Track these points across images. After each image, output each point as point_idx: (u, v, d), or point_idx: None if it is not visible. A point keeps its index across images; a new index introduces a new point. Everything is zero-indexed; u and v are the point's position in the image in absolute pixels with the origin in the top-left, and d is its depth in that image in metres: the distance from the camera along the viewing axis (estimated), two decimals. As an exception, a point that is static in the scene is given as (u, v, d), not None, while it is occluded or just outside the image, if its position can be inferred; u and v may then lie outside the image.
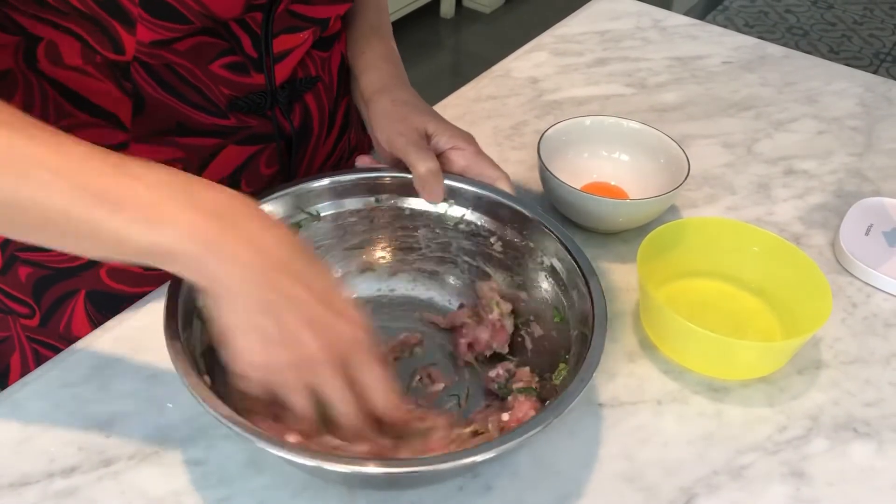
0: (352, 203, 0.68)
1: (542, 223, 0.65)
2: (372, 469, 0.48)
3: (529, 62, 1.09)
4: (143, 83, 0.62)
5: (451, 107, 0.99)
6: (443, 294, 0.70)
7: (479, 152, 0.68)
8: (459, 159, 0.68)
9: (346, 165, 0.82)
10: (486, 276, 0.68)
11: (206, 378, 0.52)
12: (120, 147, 0.64)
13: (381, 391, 0.52)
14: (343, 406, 0.51)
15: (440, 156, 0.68)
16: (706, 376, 0.66)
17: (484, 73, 1.07)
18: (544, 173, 0.77)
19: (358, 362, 0.51)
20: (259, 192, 0.65)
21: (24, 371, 0.75)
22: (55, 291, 0.71)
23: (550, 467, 0.59)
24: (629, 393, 0.65)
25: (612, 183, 0.83)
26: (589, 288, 0.59)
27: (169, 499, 0.56)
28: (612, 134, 0.84)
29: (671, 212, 0.83)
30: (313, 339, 0.49)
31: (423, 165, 0.66)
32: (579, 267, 0.61)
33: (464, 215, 0.68)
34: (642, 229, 0.73)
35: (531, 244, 0.65)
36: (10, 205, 0.47)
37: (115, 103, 0.62)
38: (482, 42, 2.98)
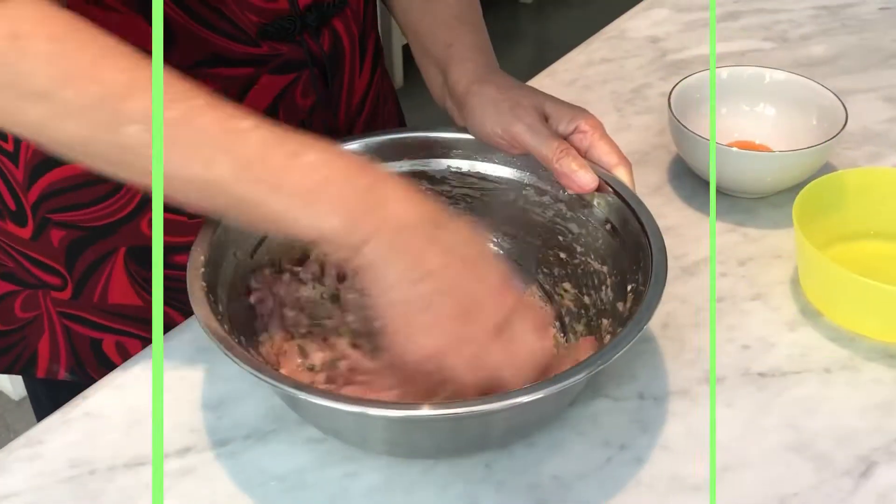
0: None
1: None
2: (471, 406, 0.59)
3: (647, 20, 1.19)
4: (171, 12, 0.74)
5: (560, 72, 1.10)
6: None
7: (604, 135, 0.76)
8: (582, 142, 0.76)
9: (384, 108, 0.95)
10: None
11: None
12: None
13: (538, 344, 0.64)
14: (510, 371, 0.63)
15: None
16: (881, 342, 0.74)
17: (594, 36, 1.18)
18: (678, 131, 0.87)
19: (511, 329, 0.62)
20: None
21: (54, 357, 0.87)
22: (89, 255, 0.82)
23: (705, 438, 0.68)
24: (792, 362, 0.74)
25: (757, 142, 0.92)
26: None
27: (292, 476, 0.66)
28: (754, 86, 0.93)
29: (827, 171, 0.91)
30: (465, 313, 0.61)
31: (554, 152, 0.74)
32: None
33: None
34: (794, 192, 0.81)
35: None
36: (177, 177, 0.59)
37: (144, 37, 0.74)
38: (568, 30, 3.08)
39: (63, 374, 0.87)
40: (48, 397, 0.93)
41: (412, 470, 0.66)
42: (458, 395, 0.63)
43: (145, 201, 0.80)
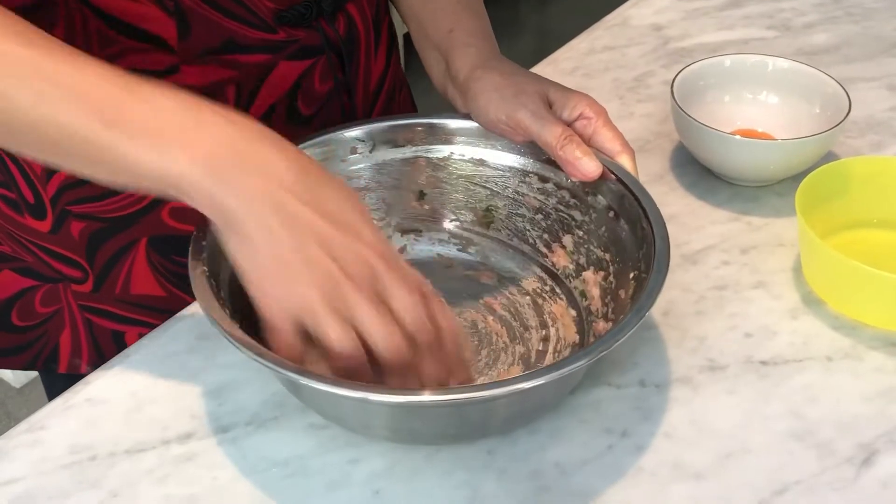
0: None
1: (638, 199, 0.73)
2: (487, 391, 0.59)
3: (650, 8, 1.19)
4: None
5: (562, 60, 1.10)
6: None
7: (608, 122, 0.76)
8: (586, 129, 0.75)
9: (399, 95, 0.95)
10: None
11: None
12: (170, 71, 0.76)
13: (410, 312, 0.60)
14: (380, 330, 0.59)
15: None
16: (883, 330, 0.75)
17: (596, 24, 1.17)
18: (681, 119, 0.87)
19: (383, 286, 0.60)
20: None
21: (76, 351, 0.87)
22: (110, 247, 0.82)
23: (707, 426, 0.68)
24: (794, 351, 0.74)
25: (760, 130, 0.92)
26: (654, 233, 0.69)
27: (294, 462, 0.66)
28: (757, 74, 0.93)
29: (830, 160, 0.91)
30: (331, 263, 0.58)
31: (557, 139, 0.73)
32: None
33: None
34: (797, 180, 0.81)
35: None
36: (26, 122, 0.59)
37: (159, 25, 0.74)
38: (570, 18, 3.08)
39: (85, 369, 0.87)
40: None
41: (414, 456, 0.66)
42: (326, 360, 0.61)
43: None
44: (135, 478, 0.65)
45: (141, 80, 0.60)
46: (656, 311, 0.77)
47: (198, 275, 0.65)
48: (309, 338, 0.61)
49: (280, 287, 0.59)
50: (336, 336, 0.59)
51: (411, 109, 1.00)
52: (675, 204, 0.88)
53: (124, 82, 0.60)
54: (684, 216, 0.87)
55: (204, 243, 0.67)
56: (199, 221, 0.66)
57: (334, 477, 0.65)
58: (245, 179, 0.59)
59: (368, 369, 0.61)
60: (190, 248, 0.67)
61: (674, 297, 0.78)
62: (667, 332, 0.75)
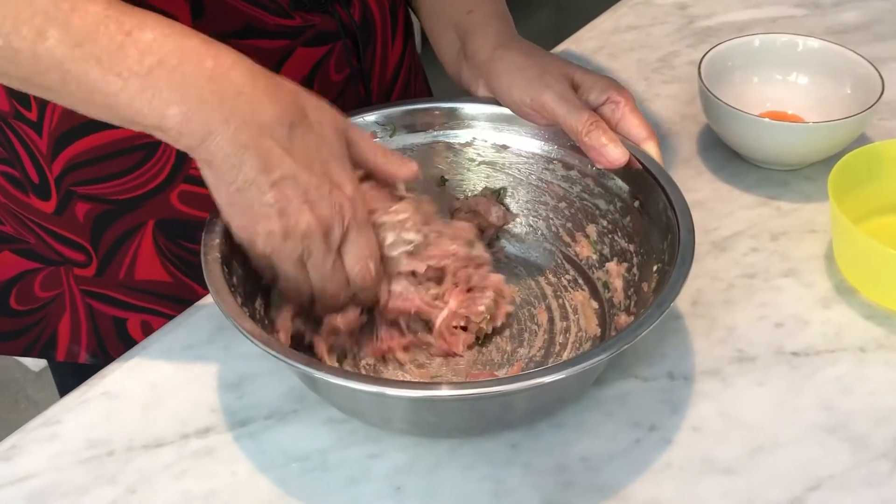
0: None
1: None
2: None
3: (675, -14, 1.16)
4: None
5: (585, 40, 1.08)
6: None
7: (635, 108, 0.74)
8: (614, 114, 0.73)
9: (415, 81, 0.93)
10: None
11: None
12: None
13: (358, 267, 0.65)
14: (318, 275, 0.64)
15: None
16: (919, 320, 0.73)
17: (620, 2, 1.15)
18: (708, 100, 0.84)
19: (346, 238, 0.63)
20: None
21: (75, 338, 0.86)
22: (116, 230, 0.81)
23: (737, 419, 0.67)
24: (826, 341, 0.72)
25: (790, 112, 0.89)
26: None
27: (314, 456, 0.65)
28: (787, 55, 0.91)
29: (862, 143, 0.89)
30: (301, 210, 0.61)
31: (583, 124, 0.71)
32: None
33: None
34: (827, 164, 0.79)
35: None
36: (6, 47, 0.58)
37: (173, 6, 0.72)
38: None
39: (84, 357, 0.86)
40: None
41: (436, 451, 0.65)
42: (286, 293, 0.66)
43: (175, 172, 0.79)
44: (152, 473, 0.65)
45: (136, 17, 0.59)
46: (684, 300, 0.75)
47: (210, 261, 0.65)
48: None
49: (250, 226, 0.62)
50: (292, 276, 0.64)
51: (427, 94, 0.98)
52: (702, 189, 0.86)
53: (118, 24, 0.58)
54: (712, 201, 0.85)
55: (217, 228, 0.66)
56: (212, 206, 0.66)
57: (355, 472, 0.64)
58: (231, 128, 0.59)
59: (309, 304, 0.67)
60: (203, 233, 0.66)
61: (702, 286, 0.76)
62: (695, 322, 0.74)
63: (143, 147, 0.77)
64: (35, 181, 0.80)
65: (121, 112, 0.59)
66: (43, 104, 0.75)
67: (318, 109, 0.63)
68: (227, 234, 0.66)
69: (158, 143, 0.77)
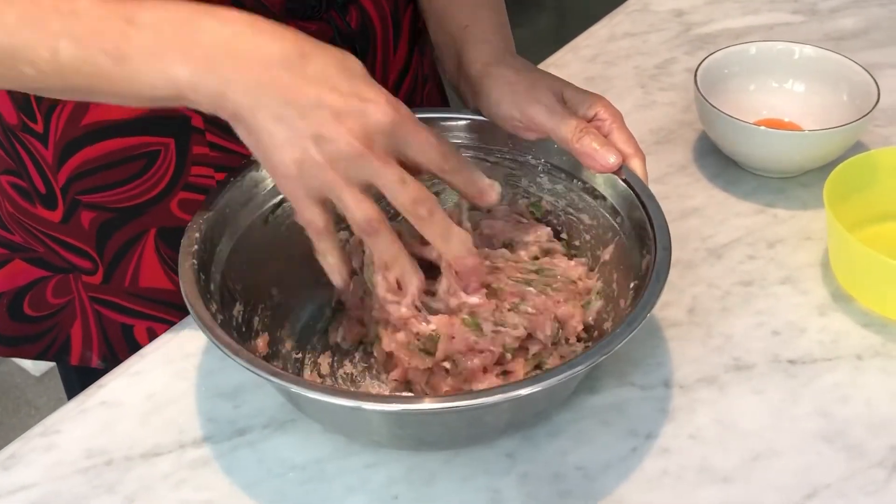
0: None
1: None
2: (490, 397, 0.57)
3: (672, -8, 1.17)
4: None
5: (582, 48, 1.08)
6: None
7: (622, 125, 0.74)
8: (600, 130, 0.73)
9: (423, 89, 0.92)
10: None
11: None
12: None
13: (430, 151, 0.61)
14: (402, 190, 0.59)
15: None
16: (915, 328, 0.73)
17: (617, 10, 1.15)
18: (704, 108, 0.85)
19: (402, 141, 0.60)
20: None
21: (87, 343, 0.86)
22: (120, 238, 0.82)
23: (734, 427, 0.67)
24: (823, 349, 0.72)
25: (786, 119, 0.90)
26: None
27: (311, 466, 0.65)
28: (783, 62, 0.91)
29: (858, 150, 0.89)
30: (345, 132, 0.58)
31: (573, 131, 0.71)
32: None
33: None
34: (824, 171, 0.80)
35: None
36: (33, 65, 0.59)
37: None
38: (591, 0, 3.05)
39: (96, 362, 0.87)
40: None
41: (433, 461, 0.65)
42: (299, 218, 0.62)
43: (175, 181, 0.79)
44: (151, 482, 0.65)
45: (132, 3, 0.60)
46: (680, 308, 0.75)
47: (186, 268, 0.65)
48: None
49: (296, 166, 0.59)
50: (357, 204, 0.60)
51: (439, 103, 0.97)
52: (698, 196, 0.86)
53: (105, 8, 0.59)
54: (708, 208, 0.85)
55: (196, 235, 0.67)
56: (197, 208, 0.66)
57: (352, 482, 0.64)
58: (243, 73, 0.59)
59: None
60: (182, 238, 0.66)
61: (698, 294, 0.77)
62: (692, 329, 0.74)
63: (145, 155, 0.78)
64: (42, 191, 0.80)
65: (140, 92, 0.60)
66: (48, 116, 0.76)
67: (321, 45, 0.62)
68: (206, 240, 0.66)
69: (159, 151, 0.78)
